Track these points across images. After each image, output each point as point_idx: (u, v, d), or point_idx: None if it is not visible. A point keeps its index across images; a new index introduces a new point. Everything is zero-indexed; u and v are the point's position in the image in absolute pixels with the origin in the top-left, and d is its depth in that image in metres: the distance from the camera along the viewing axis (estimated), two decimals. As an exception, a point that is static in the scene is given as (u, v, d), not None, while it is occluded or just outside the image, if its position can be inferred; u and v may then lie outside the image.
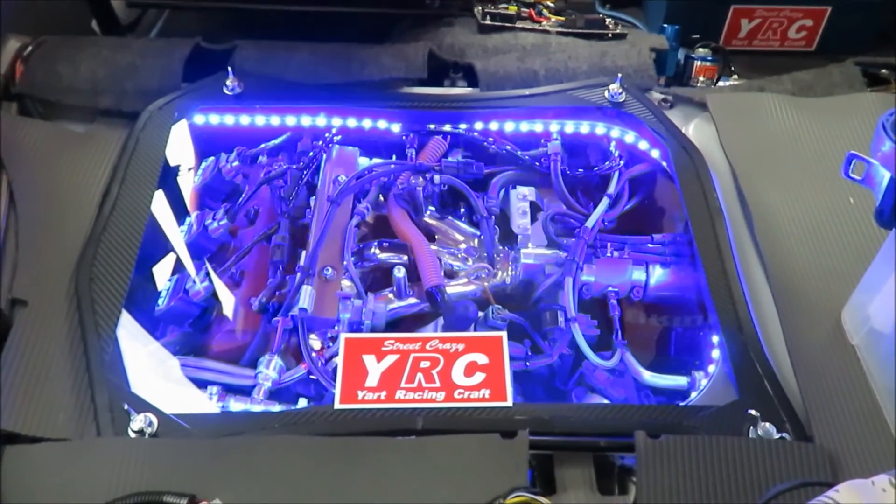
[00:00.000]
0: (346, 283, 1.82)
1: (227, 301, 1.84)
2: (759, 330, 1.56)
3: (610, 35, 2.27)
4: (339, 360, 1.53)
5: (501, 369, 1.50)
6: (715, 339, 1.62)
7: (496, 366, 1.51)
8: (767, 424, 1.37)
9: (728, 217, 1.77)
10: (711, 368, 1.60)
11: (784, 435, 1.36)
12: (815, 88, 2.09)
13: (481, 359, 1.52)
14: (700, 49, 2.28)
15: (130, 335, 1.57)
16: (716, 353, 1.62)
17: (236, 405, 1.56)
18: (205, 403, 1.55)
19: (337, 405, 1.44)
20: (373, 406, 1.44)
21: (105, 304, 1.54)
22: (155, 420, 1.38)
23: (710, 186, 1.82)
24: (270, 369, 1.62)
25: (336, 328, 1.72)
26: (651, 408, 1.45)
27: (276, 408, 1.57)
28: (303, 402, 1.60)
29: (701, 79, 2.27)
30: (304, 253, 1.80)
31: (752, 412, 1.39)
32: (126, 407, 1.38)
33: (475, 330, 1.75)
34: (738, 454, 1.30)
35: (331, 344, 1.72)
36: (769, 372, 1.47)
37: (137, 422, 1.37)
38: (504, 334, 1.57)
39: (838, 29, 2.52)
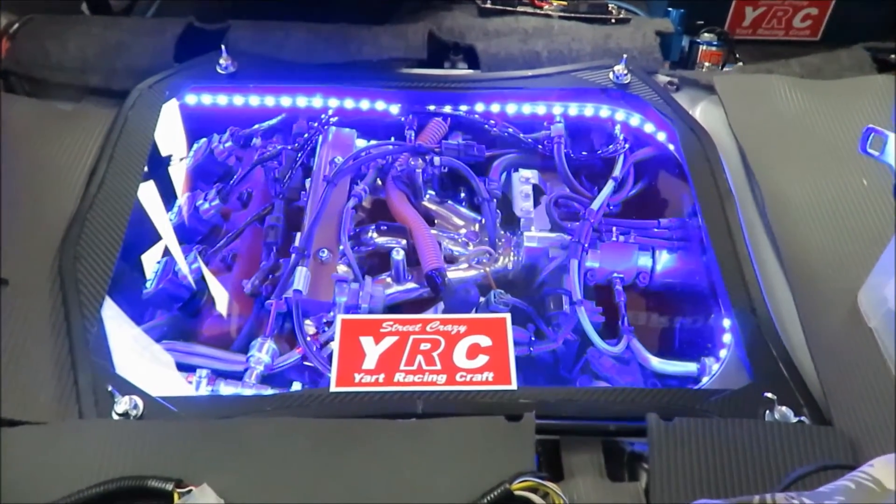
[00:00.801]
0: (342, 267, 1.75)
1: (219, 284, 1.77)
2: (773, 313, 1.50)
3: (613, 20, 2.22)
4: (335, 342, 1.46)
5: (505, 351, 1.44)
6: (726, 322, 1.56)
7: (500, 348, 1.45)
8: (784, 408, 1.31)
9: (738, 200, 1.72)
10: (723, 353, 1.54)
11: (802, 418, 1.30)
12: (824, 72, 2.04)
13: (484, 341, 1.46)
14: (705, 34, 2.23)
15: (116, 317, 1.50)
16: (727, 338, 1.55)
17: (227, 389, 1.48)
18: (193, 388, 1.48)
19: (333, 388, 1.38)
20: (370, 389, 1.37)
21: (90, 284, 1.47)
22: (140, 403, 1.31)
23: (720, 168, 1.76)
24: (263, 353, 1.55)
25: (332, 313, 1.65)
26: (662, 391, 1.38)
27: (269, 392, 1.50)
28: (297, 387, 1.53)
29: (706, 64, 2.23)
30: (298, 235, 1.73)
31: (769, 395, 1.33)
32: (110, 389, 1.31)
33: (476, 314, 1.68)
34: (756, 438, 1.24)
35: (326, 329, 1.65)
36: (784, 354, 1.41)
37: (122, 404, 1.30)
38: (508, 316, 1.51)
39: (844, 18, 2.47)
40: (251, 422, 1.28)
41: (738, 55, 2.32)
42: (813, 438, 1.25)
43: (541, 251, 1.80)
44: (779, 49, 2.48)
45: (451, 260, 1.87)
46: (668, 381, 1.66)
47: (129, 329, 1.54)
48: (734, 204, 1.69)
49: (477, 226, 1.91)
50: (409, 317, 1.50)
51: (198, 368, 1.53)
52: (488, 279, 1.81)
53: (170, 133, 1.95)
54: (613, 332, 1.76)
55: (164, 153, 1.94)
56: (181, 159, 1.97)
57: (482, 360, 1.43)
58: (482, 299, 1.72)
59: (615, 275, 1.84)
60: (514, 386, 1.38)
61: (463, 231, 1.91)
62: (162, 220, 1.84)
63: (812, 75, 2.04)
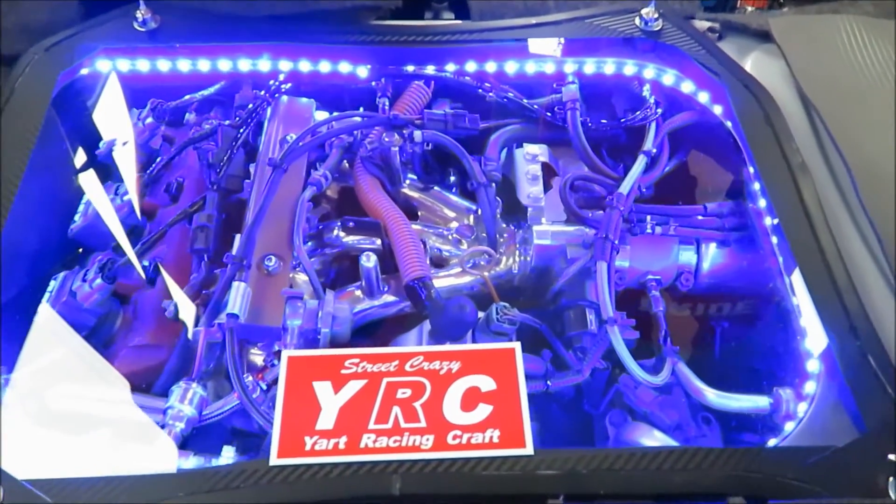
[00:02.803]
0: (299, 276, 1.34)
1: (135, 305, 1.36)
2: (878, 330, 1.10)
3: (634, -43, 1.79)
4: (278, 391, 1.05)
5: (516, 397, 1.04)
6: (811, 344, 1.16)
7: (508, 392, 1.04)
8: (920, 477, 0.91)
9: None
10: (809, 387, 1.14)
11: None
12: (903, 10, 1.62)
13: (486, 383, 1.06)
14: (748, -30, 1.81)
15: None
16: (813, 366, 1.15)
17: (127, 460, 1.07)
18: (87, 458, 1.07)
19: (273, 460, 0.97)
20: (327, 460, 0.97)
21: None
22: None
23: (788, 134, 1.35)
24: (185, 403, 1.15)
25: (283, 341, 1.24)
26: (738, 452, 0.98)
27: (190, 461, 1.09)
28: (228, 453, 1.12)
29: (749, 8, 1.80)
30: (237, 237, 1.32)
31: (893, 457, 0.93)
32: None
33: (474, 338, 1.28)
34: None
35: (276, 361, 1.25)
36: (905, 393, 1.01)
37: (-36, 497, 0.89)
38: (517, 345, 1.10)
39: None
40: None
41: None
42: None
43: (555, 250, 1.39)
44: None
45: (439, 263, 1.46)
46: (729, 418, 1.26)
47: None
48: (811, 181, 1.28)
49: (471, 217, 1.50)
50: (380, 351, 1.09)
51: (100, 427, 1.12)
52: (488, 288, 1.40)
53: (75, 109, 1.52)
54: (647, 350, 1.36)
55: (65, 136, 1.51)
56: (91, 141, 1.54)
57: (484, 411, 1.03)
58: (481, 315, 1.31)
59: (650, 277, 1.44)
60: (529, 450, 0.98)
61: (454, 225, 1.50)
62: (58, 222, 1.43)
63: (887, 15, 1.62)
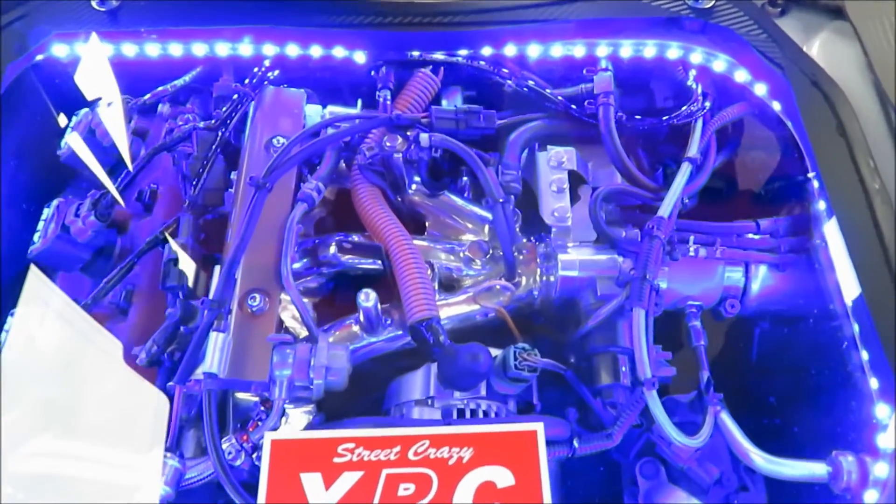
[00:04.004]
0: (289, 311, 1.18)
1: (103, 343, 1.20)
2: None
3: None
4: (261, 481, 0.91)
5: (538, 495, 0.88)
6: (881, 412, 0.99)
7: (529, 489, 0.89)
8: None
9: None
10: (885, 441, 0.98)
11: None
12: None
13: (503, 477, 0.90)
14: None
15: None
16: (884, 411, 0.99)
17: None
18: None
19: (254, 578, 0.84)
20: (317, 577, 0.83)
21: None
22: None
23: (865, 150, 1.13)
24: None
25: (270, 394, 1.08)
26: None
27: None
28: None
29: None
30: (216, 270, 1.14)
31: None
32: None
33: (488, 384, 1.12)
34: None
35: (265, 416, 1.10)
36: None
37: None
38: (539, 427, 0.94)
39: None
40: None
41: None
42: None
43: (583, 282, 1.21)
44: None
45: (448, 284, 1.28)
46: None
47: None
48: (891, 214, 1.08)
49: (486, 229, 1.31)
50: (379, 434, 0.93)
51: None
52: (503, 317, 1.23)
53: (26, 104, 1.32)
54: (685, 381, 1.21)
55: (19, 136, 1.31)
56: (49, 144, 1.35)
57: (500, 513, 0.87)
58: (497, 355, 1.15)
59: (690, 302, 1.26)
60: (555, 566, 0.83)
61: (467, 238, 1.31)
62: (12, 243, 1.25)
63: None
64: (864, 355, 1.05)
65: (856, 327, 1.06)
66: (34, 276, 0.84)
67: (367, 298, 1.13)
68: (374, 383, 1.24)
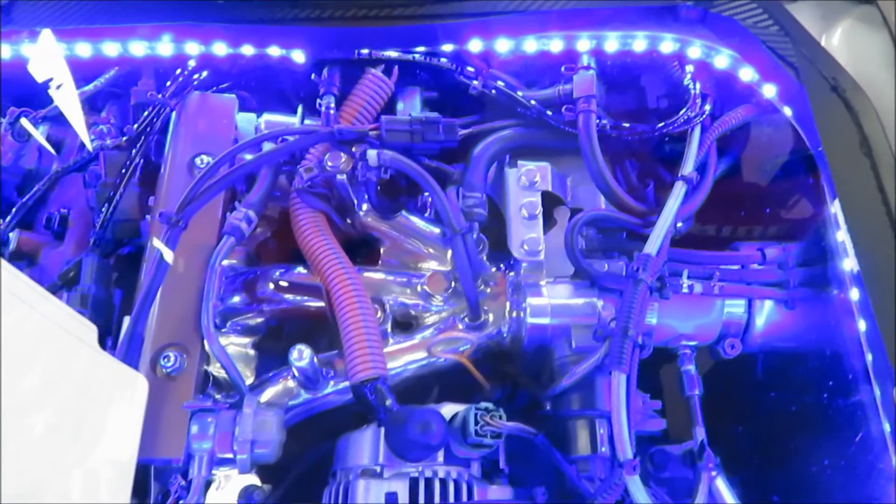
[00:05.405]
0: (214, 366, 1.02)
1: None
2: None
3: None
4: None
5: None
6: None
7: None
8: None
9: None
10: None
11: None
12: None
13: None
14: None
15: None
16: None
17: None
18: None
19: None
20: None
21: None
22: None
23: (891, 166, 0.95)
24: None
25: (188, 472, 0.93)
26: None
27: None
28: None
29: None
30: (125, 322, 0.97)
31: None
32: None
33: (446, 450, 0.96)
34: None
35: (184, 494, 0.94)
36: None
37: None
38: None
39: None
40: None
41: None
42: None
43: (557, 331, 1.03)
44: None
45: (406, 323, 1.11)
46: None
47: None
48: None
49: (449, 255, 1.13)
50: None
51: None
52: (466, 365, 1.06)
53: None
54: (678, 427, 1.05)
55: None
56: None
57: None
58: (456, 414, 0.99)
59: (683, 342, 1.09)
60: None
61: (427, 265, 1.14)
62: None
63: None
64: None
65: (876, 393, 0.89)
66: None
67: (301, 357, 0.96)
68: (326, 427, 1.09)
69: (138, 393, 0.85)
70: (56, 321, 0.75)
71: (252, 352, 1.12)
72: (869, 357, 0.92)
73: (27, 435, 0.69)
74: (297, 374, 0.99)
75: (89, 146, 1.10)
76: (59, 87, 1.13)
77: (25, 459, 0.68)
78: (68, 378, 0.76)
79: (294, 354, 0.96)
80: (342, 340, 0.99)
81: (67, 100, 1.06)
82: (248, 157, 1.06)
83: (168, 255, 0.94)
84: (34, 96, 1.16)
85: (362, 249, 1.19)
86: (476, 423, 0.95)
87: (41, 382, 0.72)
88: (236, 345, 1.12)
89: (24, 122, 1.14)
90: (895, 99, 1.03)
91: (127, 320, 0.98)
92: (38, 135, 1.15)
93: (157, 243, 0.94)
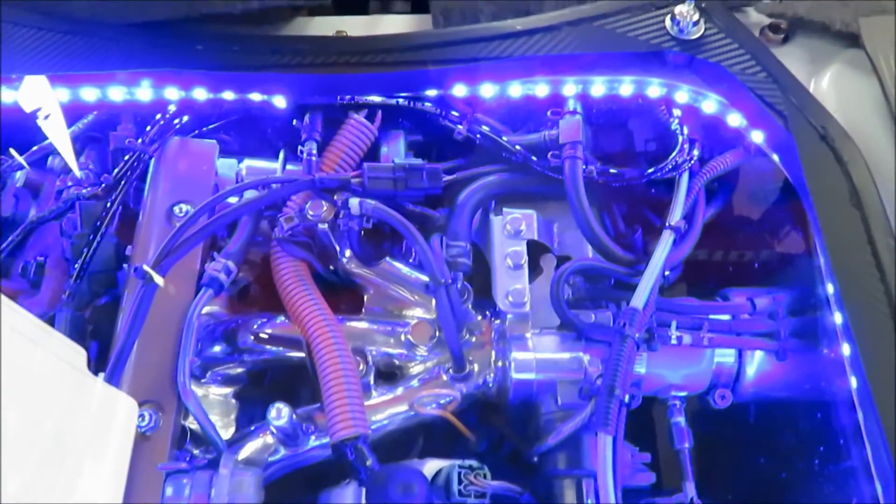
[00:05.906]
0: (193, 420, 0.99)
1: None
2: None
3: None
4: None
5: None
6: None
7: None
8: None
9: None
10: None
11: None
12: None
13: None
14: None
15: None
16: None
17: None
18: None
19: None
20: None
21: None
22: None
23: (882, 220, 0.93)
24: None
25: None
26: None
27: None
28: None
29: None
30: (100, 378, 0.95)
31: None
32: None
33: (430, 508, 0.94)
34: None
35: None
36: None
37: None
38: None
39: None
40: None
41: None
42: None
43: (543, 386, 1.01)
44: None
45: (388, 373, 1.09)
46: None
47: None
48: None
49: (434, 302, 1.11)
50: None
51: None
52: (451, 419, 1.04)
53: None
54: (669, 472, 1.03)
55: None
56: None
57: None
58: (440, 470, 0.96)
59: (673, 393, 1.07)
60: None
61: (412, 313, 1.12)
62: None
63: None
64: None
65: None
66: None
67: (279, 416, 0.93)
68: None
69: (128, 415, 0.84)
70: (44, 345, 0.74)
71: (233, 401, 1.10)
72: (860, 415, 0.90)
73: (25, 461, 0.67)
74: (275, 432, 0.97)
75: (77, 173, 1.07)
76: (46, 117, 1.13)
77: (23, 483, 0.66)
78: (58, 402, 0.75)
79: (272, 413, 0.93)
80: (322, 396, 0.96)
81: (56, 130, 1.05)
82: (231, 200, 1.05)
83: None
84: (10, 142, 1.15)
85: (345, 295, 1.17)
86: (460, 482, 0.93)
87: (33, 410, 0.71)
88: (216, 394, 1.10)
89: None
90: (884, 146, 1.01)
91: (101, 378, 0.96)
92: None
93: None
